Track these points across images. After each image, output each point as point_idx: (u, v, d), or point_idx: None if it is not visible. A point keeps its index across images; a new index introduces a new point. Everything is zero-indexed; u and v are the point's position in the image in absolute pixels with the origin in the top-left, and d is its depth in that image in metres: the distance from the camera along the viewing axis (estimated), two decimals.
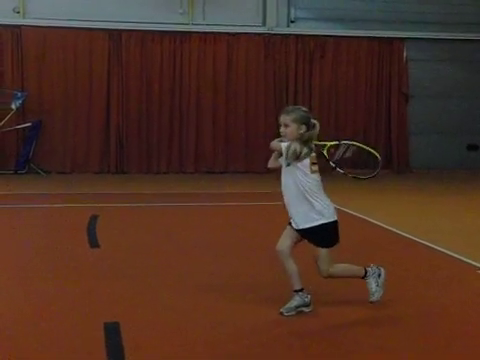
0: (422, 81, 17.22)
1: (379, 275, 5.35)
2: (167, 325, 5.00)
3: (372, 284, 5.30)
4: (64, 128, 15.89)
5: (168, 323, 5.04)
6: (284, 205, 5.29)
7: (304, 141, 5.10)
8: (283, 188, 5.25)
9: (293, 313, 5.20)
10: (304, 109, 5.30)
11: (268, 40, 16.56)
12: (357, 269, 5.34)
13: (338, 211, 5.35)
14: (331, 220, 5.15)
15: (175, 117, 16.31)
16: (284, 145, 5.12)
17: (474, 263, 6.99)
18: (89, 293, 5.79)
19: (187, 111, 16.36)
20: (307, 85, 16.75)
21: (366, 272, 5.32)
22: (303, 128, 5.11)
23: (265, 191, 13.00)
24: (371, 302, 5.29)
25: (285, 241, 5.22)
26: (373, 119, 17.19)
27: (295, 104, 16.71)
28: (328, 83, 16.84)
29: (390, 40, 17.08)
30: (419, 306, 5.54)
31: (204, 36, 16.29)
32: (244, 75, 16.49)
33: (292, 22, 16.87)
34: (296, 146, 5.06)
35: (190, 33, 16.25)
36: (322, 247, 5.13)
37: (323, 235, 5.13)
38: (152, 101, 16.21)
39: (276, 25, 16.63)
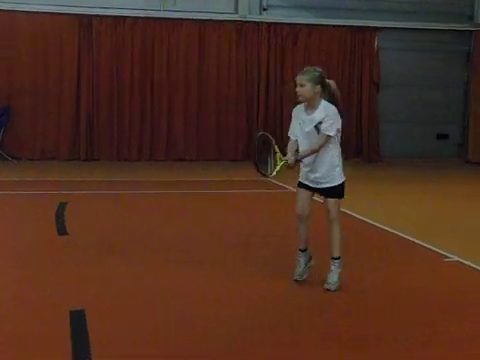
0: (393, 70, 17.27)
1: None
2: (134, 312, 4.99)
3: (335, 277, 5.63)
4: (34, 114, 15.66)
5: (135, 310, 5.03)
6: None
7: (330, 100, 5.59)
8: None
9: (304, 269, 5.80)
10: (319, 70, 5.69)
11: (240, 28, 16.50)
12: (341, 245, 5.68)
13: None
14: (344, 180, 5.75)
15: (146, 104, 16.19)
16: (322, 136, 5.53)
17: (441, 251, 7.08)
18: (55, 281, 5.76)
19: (159, 98, 16.24)
20: (279, 73, 16.72)
21: (339, 258, 5.65)
22: (318, 88, 5.56)
23: (237, 179, 13.02)
24: (328, 289, 5.55)
25: (304, 205, 5.74)
26: (344, 108, 17.18)
27: (267, 91, 16.77)
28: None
29: (362, 29, 17.08)
30: (399, 294, 5.60)
31: (175, 22, 16.18)
32: (216, 62, 16.40)
33: (264, 10, 16.80)
34: (332, 117, 5.48)
35: (161, 19, 16.13)
36: (333, 198, 5.70)
37: (338, 190, 5.72)
38: (123, 88, 16.05)
39: (248, 13, 16.57)
